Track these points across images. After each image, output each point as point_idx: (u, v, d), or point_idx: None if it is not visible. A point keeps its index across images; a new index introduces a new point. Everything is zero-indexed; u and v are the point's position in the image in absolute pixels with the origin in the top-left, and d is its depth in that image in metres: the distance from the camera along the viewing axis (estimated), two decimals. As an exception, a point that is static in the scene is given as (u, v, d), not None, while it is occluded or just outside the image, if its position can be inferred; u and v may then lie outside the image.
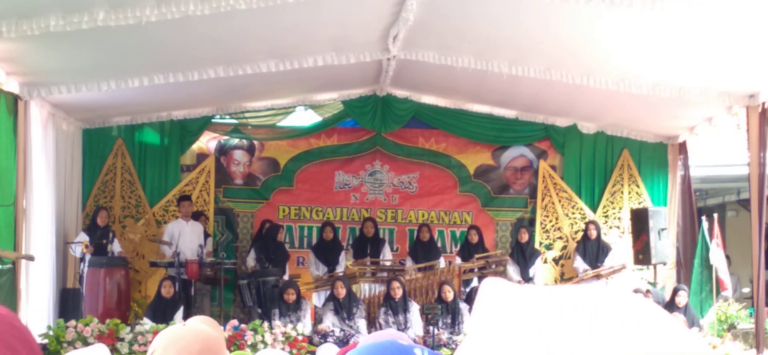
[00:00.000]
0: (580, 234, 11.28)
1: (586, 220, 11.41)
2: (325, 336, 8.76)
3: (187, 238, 9.97)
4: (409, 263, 10.69)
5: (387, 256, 10.75)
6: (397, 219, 11.63)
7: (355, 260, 10.43)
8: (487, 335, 1.65)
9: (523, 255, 10.95)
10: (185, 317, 8.26)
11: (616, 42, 7.91)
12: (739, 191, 13.49)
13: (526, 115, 11.45)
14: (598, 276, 10.50)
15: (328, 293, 9.64)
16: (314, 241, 11.36)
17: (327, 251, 10.68)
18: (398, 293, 9.25)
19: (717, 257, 9.83)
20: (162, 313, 8.76)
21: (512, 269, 10.92)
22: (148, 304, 9.45)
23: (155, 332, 6.78)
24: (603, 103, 10.14)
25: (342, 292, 9.21)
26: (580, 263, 10.94)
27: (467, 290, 10.41)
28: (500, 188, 11.94)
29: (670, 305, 9.50)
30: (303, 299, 9.43)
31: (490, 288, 1.77)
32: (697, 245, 10.51)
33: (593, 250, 10.91)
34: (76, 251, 9.43)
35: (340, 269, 10.50)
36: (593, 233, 10.95)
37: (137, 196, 10.98)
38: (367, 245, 10.64)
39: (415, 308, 9.31)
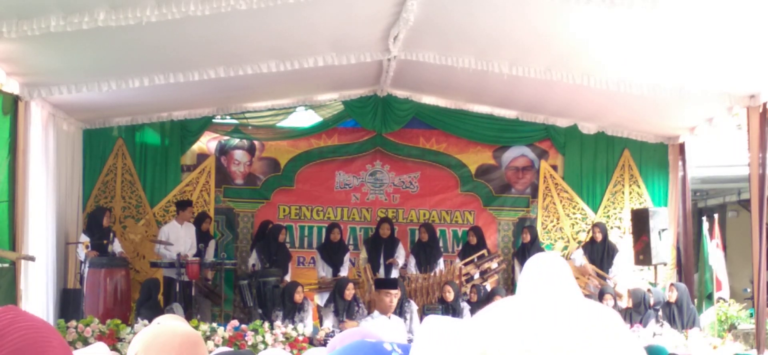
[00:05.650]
0: (582, 235, 11.25)
1: (588, 221, 11.38)
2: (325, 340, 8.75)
3: (181, 240, 10.02)
4: (412, 262, 10.69)
5: (401, 256, 10.74)
6: (398, 219, 11.61)
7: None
8: None
9: (526, 257, 10.85)
10: (186, 317, 8.23)
11: (617, 42, 7.90)
12: (739, 192, 13.52)
13: (526, 115, 11.44)
14: (602, 277, 10.42)
15: (330, 294, 9.64)
16: (315, 241, 11.38)
17: (332, 253, 10.68)
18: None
19: (716, 257, 9.84)
20: (154, 313, 8.73)
21: (518, 271, 10.87)
22: (137, 301, 9.42)
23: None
24: (603, 104, 10.13)
25: (350, 294, 9.19)
26: (578, 256, 10.83)
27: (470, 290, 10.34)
28: (502, 188, 11.92)
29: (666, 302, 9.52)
30: (306, 299, 9.43)
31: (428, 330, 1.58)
32: (700, 245, 10.51)
33: (598, 253, 10.80)
34: (80, 253, 9.46)
35: (343, 271, 10.50)
36: (599, 236, 10.83)
37: (138, 196, 10.98)
38: (380, 246, 10.63)
39: (414, 308, 9.31)
